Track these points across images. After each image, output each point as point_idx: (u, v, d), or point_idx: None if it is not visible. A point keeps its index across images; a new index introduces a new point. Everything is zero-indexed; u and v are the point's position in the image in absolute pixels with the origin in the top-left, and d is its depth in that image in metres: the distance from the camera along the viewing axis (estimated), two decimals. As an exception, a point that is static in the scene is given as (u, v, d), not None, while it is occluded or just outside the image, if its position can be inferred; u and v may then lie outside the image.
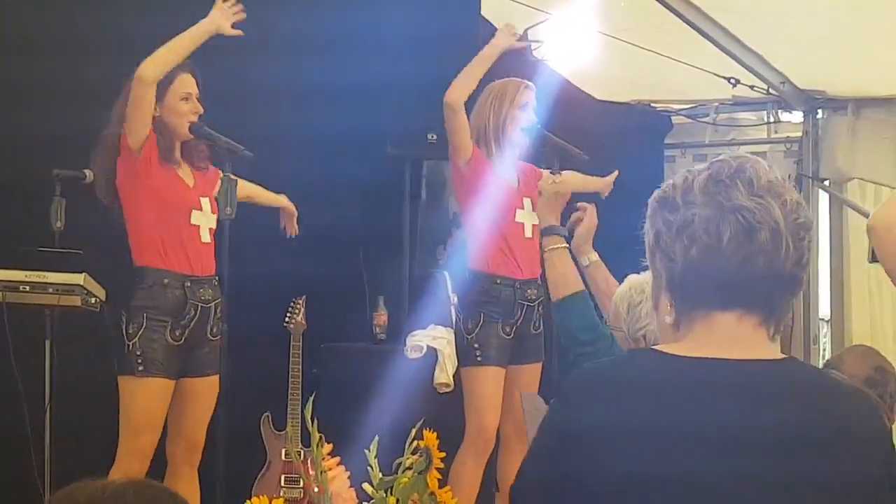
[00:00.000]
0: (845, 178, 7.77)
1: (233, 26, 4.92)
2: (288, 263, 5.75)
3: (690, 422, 1.93)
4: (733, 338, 2.02)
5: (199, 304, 5.01)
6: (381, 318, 6.73)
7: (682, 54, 6.72)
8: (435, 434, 3.48)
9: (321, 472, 3.50)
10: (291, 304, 6.10)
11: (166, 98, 5.00)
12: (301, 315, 6.07)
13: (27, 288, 5.23)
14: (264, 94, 5.75)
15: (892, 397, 4.29)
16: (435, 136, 6.58)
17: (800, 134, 7.89)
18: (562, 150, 5.72)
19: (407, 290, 6.74)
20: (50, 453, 5.20)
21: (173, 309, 4.96)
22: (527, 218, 5.64)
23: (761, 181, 2.01)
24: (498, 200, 5.57)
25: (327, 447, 3.66)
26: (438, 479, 3.66)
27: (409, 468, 3.44)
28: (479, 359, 5.53)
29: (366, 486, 3.63)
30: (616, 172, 5.73)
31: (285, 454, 6.02)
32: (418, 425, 3.46)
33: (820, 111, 7.79)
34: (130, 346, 4.88)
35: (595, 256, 4.78)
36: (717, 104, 7.92)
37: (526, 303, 5.57)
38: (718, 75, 7.15)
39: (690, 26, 6.14)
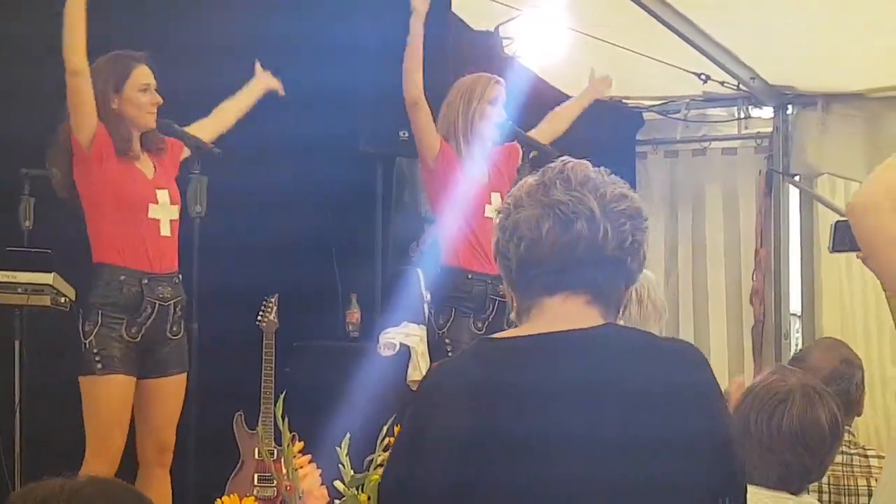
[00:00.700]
0: (815, 173, 7.79)
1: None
2: (260, 262, 5.73)
3: (518, 394, 2.12)
4: (561, 315, 2.21)
5: (157, 302, 4.96)
6: (354, 315, 6.72)
7: (652, 50, 6.72)
8: (406, 431, 3.48)
9: (293, 471, 3.49)
10: (264, 302, 6.08)
11: (124, 90, 4.96)
12: (273, 313, 6.05)
13: (-4, 288, 5.20)
14: (233, 82, 5.71)
15: (859, 389, 4.31)
16: (406, 134, 6.56)
17: (770, 130, 7.91)
18: (533, 146, 5.73)
19: (380, 288, 6.73)
20: (20, 454, 5.17)
21: (129, 306, 4.91)
22: (496, 213, 5.64)
23: (578, 178, 2.25)
24: (467, 196, 5.58)
25: (298, 445, 3.66)
26: (410, 476, 3.66)
27: (381, 465, 3.44)
28: (450, 354, 5.52)
29: (337, 483, 3.63)
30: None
31: (258, 453, 6.01)
32: (390, 422, 3.45)
33: (790, 107, 7.80)
34: (87, 345, 4.84)
35: None
36: (688, 100, 7.93)
37: (498, 298, 5.56)
38: (689, 71, 7.15)
39: (661, 22, 6.15)
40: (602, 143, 7.15)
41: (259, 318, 6.04)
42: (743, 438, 3.08)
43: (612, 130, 7.69)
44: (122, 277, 4.91)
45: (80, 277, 5.26)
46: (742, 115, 7.96)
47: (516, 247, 2.24)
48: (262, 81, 5.58)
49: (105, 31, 4.92)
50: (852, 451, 4.11)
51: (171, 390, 5.03)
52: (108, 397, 4.87)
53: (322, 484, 3.81)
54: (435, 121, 5.63)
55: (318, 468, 3.83)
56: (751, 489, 2.47)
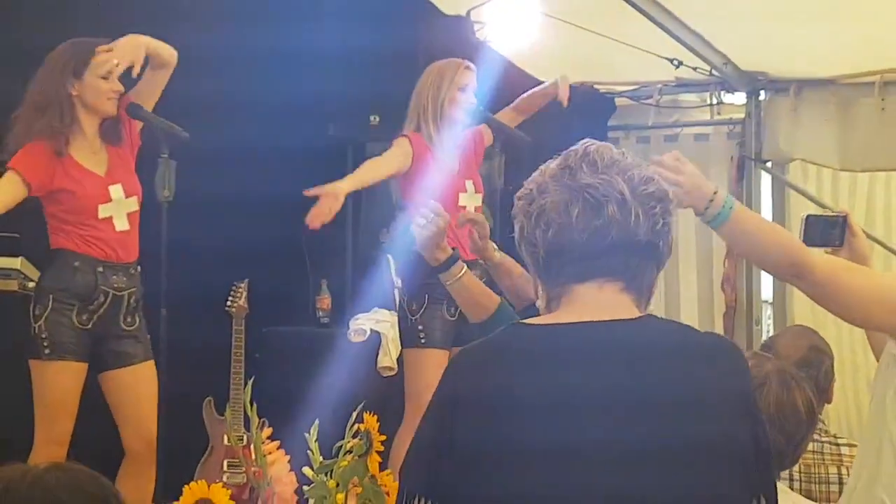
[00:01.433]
0: (787, 159, 7.80)
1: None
2: (229, 247, 5.70)
3: (552, 388, 2.07)
4: (595, 304, 2.15)
5: (111, 291, 4.92)
6: (325, 301, 6.70)
7: (625, 36, 6.71)
8: (375, 417, 3.46)
9: (261, 456, 3.48)
10: (233, 288, 6.04)
11: (85, 76, 4.91)
12: (243, 299, 6.01)
13: (-37, 273, 5.17)
14: (200, 65, 5.65)
15: (828, 377, 4.31)
16: (377, 119, 6.55)
17: (742, 115, 7.92)
18: (505, 132, 5.71)
19: (350, 274, 6.71)
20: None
21: (82, 292, 4.87)
22: (469, 200, 5.64)
23: (604, 160, 2.17)
24: (440, 184, 5.55)
25: (267, 431, 3.64)
26: (379, 462, 3.64)
27: (350, 451, 3.42)
28: (422, 340, 5.52)
29: (306, 469, 3.61)
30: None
31: (227, 439, 5.98)
32: (359, 408, 3.44)
33: (762, 92, 7.81)
34: (36, 329, 4.80)
35: (499, 253, 4.71)
36: (660, 86, 7.92)
37: (471, 285, 5.54)
38: (661, 56, 7.15)
39: (633, 7, 6.14)
40: (574, 128, 7.13)
41: (228, 303, 6.00)
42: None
43: (583, 116, 7.67)
44: (77, 264, 4.87)
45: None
46: (714, 101, 7.96)
47: (544, 233, 2.16)
48: None
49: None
50: (823, 440, 4.11)
51: (140, 380, 4.99)
52: (54, 382, 4.83)
53: (291, 470, 3.79)
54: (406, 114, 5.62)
55: (286, 454, 3.81)
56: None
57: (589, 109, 7.91)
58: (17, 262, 5.18)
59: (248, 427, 4.41)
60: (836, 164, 7.55)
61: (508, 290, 4.49)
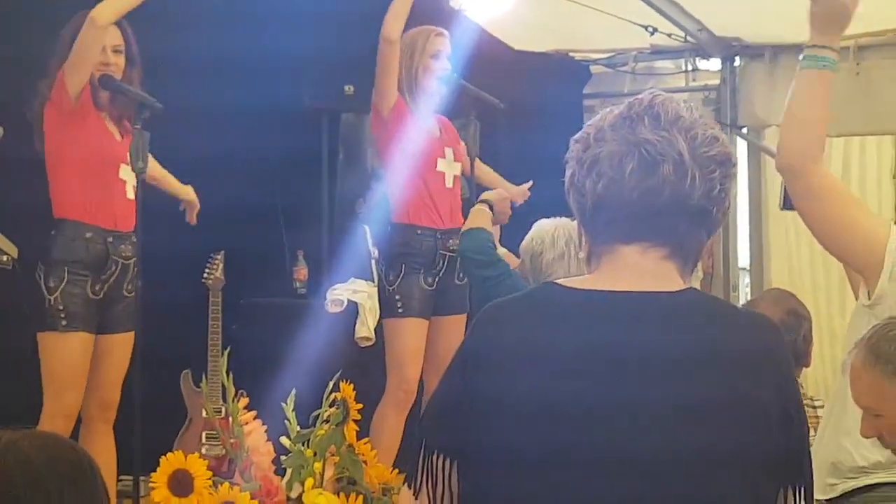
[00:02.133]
0: (763, 125, 7.79)
1: None
2: (206, 219, 5.67)
3: (582, 349, 1.99)
4: (637, 270, 2.06)
5: (121, 260, 4.94)
6: (301, 272, 6.69)
7: (599, 3, 6.68)
8: (352, 386, 3.47)
9: (238, 427, 3.48)
10: (210, 259, 6.02)
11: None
12: (219, 271, 5.99)
13: (-63, 247, 5.13)
14: (177, 30, 5.62)
15: (806, 341, 4.32)
16: (352, 89, 6.52)
17: (718, 82, 7.91)
18: (479, 100, 5.69)
19: (326, 245, 6.70)
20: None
21: (95, 264, 4.89)
22: (448, 167, 5.63)
23: (668, 115, 2.06)
24: (419, 149, 5.54)
25: (243, 401, 3.64)
26: (357, 432, 3.65)
27: (327, 421, 3.42)
28: (400, 310, 5.51)
29: (283, 439, 3.61)
30: (531, 182, 5.71)
31: (205, 411, 5.97)
32: (336, 378, 3.44)
33: (737, 58, 7.79)
34: (52, 301, 4.80)
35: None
36: (635, 53, 7.88)
37: (448, 253, 5.54)
38: (636, 23, 7.13)
39: (607, -26, 6.13)
40: (549, 96, 7.12)
41: (205, 275, 5.98)
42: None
43: (558, 84, 7.65)
44: (89, 235, 4.88)
45: (23, 235, 5.20)
46: (689, 68, 7.94)
47: (594, 184, 2.05)
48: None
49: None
50: (800, 402, 4.12)
51: (121, 347, 4.99)
52: (70, 355, 4.83)
53: (269, 440, 3.80)
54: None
55: (264, 424, 3.81)
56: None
57: (564, 77, 7.89)
58: (-12, 235, 5.15)
59: (225, 399, 4.41)
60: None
61: None
